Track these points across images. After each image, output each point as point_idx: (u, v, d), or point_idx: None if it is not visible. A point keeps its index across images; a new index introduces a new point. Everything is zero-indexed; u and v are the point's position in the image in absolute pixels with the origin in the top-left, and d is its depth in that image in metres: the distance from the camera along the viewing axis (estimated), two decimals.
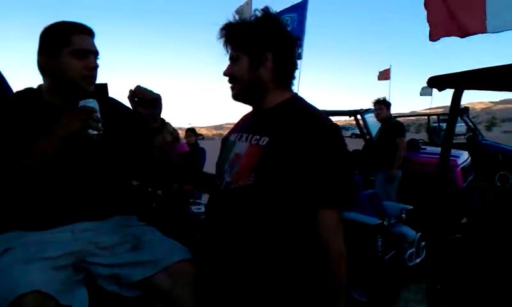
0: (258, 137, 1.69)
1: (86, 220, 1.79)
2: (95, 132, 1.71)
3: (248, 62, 1.71)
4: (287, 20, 9.23)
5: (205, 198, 5.43)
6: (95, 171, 1.84)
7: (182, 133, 8.97)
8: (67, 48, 1.77)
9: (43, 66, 1.82)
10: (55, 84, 1.82)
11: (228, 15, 1.80)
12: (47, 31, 1.81)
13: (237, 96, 1.76)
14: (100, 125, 1.71)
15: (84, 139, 1.70)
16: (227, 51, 1.76)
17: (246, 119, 1.88)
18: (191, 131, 8.32)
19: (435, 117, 12.59)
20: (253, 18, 1.75)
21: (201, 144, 8.57)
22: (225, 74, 1.75)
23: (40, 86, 1.88)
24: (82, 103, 1.72)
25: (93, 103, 1.72)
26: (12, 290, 1.44)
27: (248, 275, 1.62)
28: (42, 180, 1.73)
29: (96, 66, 1.82)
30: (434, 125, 12.40)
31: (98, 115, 1.72)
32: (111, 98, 2.00)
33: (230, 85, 1.76)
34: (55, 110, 1.79)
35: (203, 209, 4.48)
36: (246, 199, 1.64)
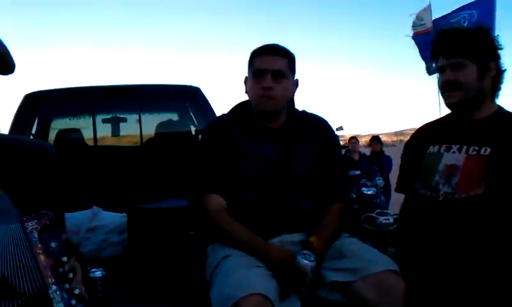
0: (476, 147, 1.77)
1: (293, 232, 1.89)
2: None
3: (476, 70, 1.78)
4: (463, 17, 8.66)
5: (391, 208, 5.25)
6: (302, 186, 1.93)
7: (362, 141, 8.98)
8: (250, 70, 1.94)
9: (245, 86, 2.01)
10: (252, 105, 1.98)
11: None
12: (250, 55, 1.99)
13: (456, 103, 1.82)
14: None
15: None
16: (442, 57, 1.83)
17: (442, 130, 1.93)
18: (376, 139, 8.24)
19: None
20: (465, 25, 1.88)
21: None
22: (448, 80, 1.80)
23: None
24: (300, 259, 1.75)
25: (308, 266, 1.75)
26: (236, 290, 1.57)
27: (470, 280, 1.69)
28: (253, 196, 1.88)
29: (269, 87, 1.87)
30: None
31: (310, 275, 1.75)
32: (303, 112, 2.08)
33: (445, 93, 1.83)
34: (263, 130, 1.95)
35: (391, 220, 4.37)
36: (476, 208, 1.72)
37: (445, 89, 1.83)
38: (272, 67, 1.88)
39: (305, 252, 1.77)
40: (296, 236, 1.88)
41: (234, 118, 2.01)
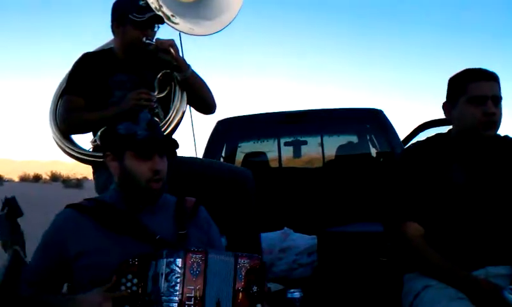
0: None
1: (499, 265, 1.80)
2: None
3: None
4: None
5: None
6: (508, 215, 1.83)
7: None
8: (464, 97, 1.87)
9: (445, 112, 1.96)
10: (459, 130, 1.92)
11: None
12: (450, 80, 1.95)
13: None
14: None
15: None
16: None
17: None
18: None
19: None
20: None
21: None
22: None
23: (449, 131, 2.00)
24: (507, 294, 1.66)
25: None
26: None
27: None
28: (455, 225, 1.83)
29: (493, 113, 1.82)
30: None
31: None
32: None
33: None
34: (466, 157, 1.89)
35: None
36: None
37: None
38: (491, 93, 1.85)
39: None
40: (501, 270, 1.79)
41: (434, 144, 1.97)
